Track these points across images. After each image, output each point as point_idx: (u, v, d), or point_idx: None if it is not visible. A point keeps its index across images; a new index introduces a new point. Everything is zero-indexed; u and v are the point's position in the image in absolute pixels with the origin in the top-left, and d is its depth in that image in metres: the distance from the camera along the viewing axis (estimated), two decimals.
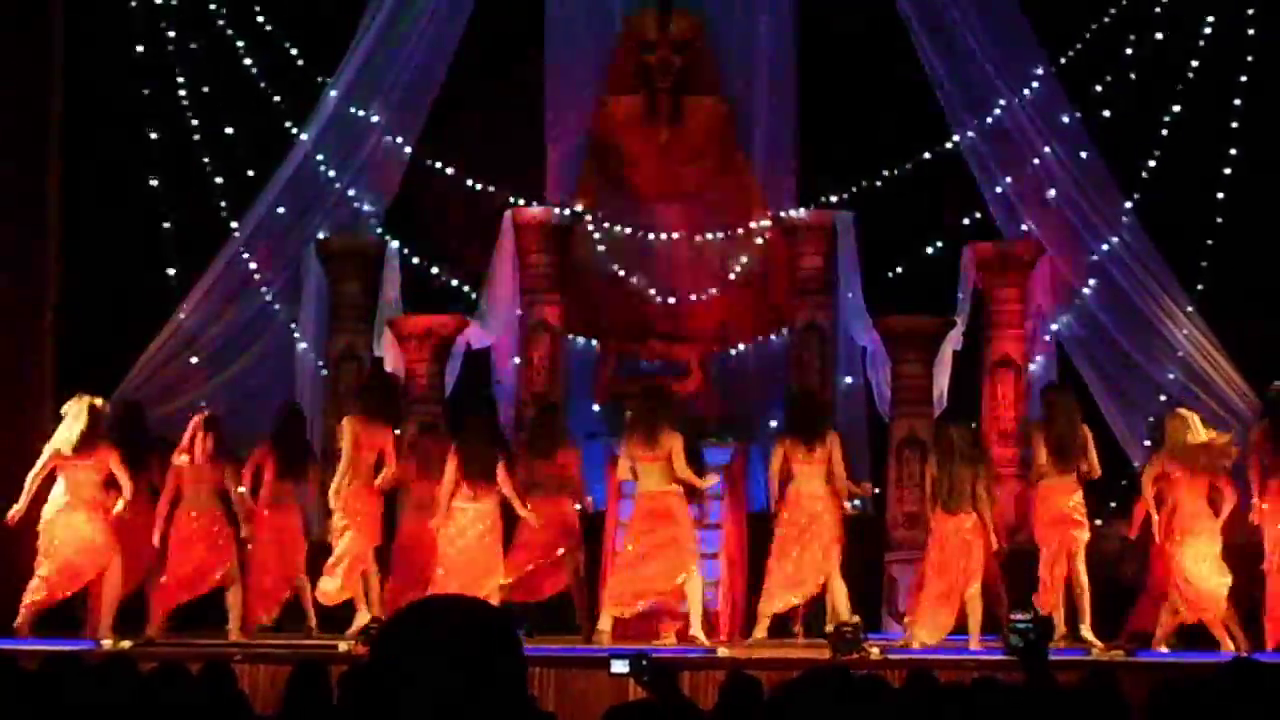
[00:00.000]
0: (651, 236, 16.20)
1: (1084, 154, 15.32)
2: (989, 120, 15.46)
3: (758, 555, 13.74)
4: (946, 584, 12.68)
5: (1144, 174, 15.23)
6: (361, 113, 15.68)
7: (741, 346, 16.41)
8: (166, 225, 15.48)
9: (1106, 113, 15.35)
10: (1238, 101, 15.31)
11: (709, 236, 16.18)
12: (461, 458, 12.94)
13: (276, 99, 15.73)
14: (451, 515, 12.93)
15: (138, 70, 15.52)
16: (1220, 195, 15.25)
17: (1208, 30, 15.32)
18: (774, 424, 15.64)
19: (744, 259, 16.20)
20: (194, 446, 13.04)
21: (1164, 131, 15.25)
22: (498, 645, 2.98)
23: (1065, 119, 15.40)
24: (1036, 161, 15.38)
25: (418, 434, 14.29)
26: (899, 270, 15.86)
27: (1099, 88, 15.39)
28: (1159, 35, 15.34)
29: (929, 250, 15.80)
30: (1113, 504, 14.11)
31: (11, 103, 14.42)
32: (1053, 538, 12.83)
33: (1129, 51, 15.37)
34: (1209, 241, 15.18)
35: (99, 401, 13.00)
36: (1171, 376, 14.86)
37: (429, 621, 3.01)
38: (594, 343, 16.29)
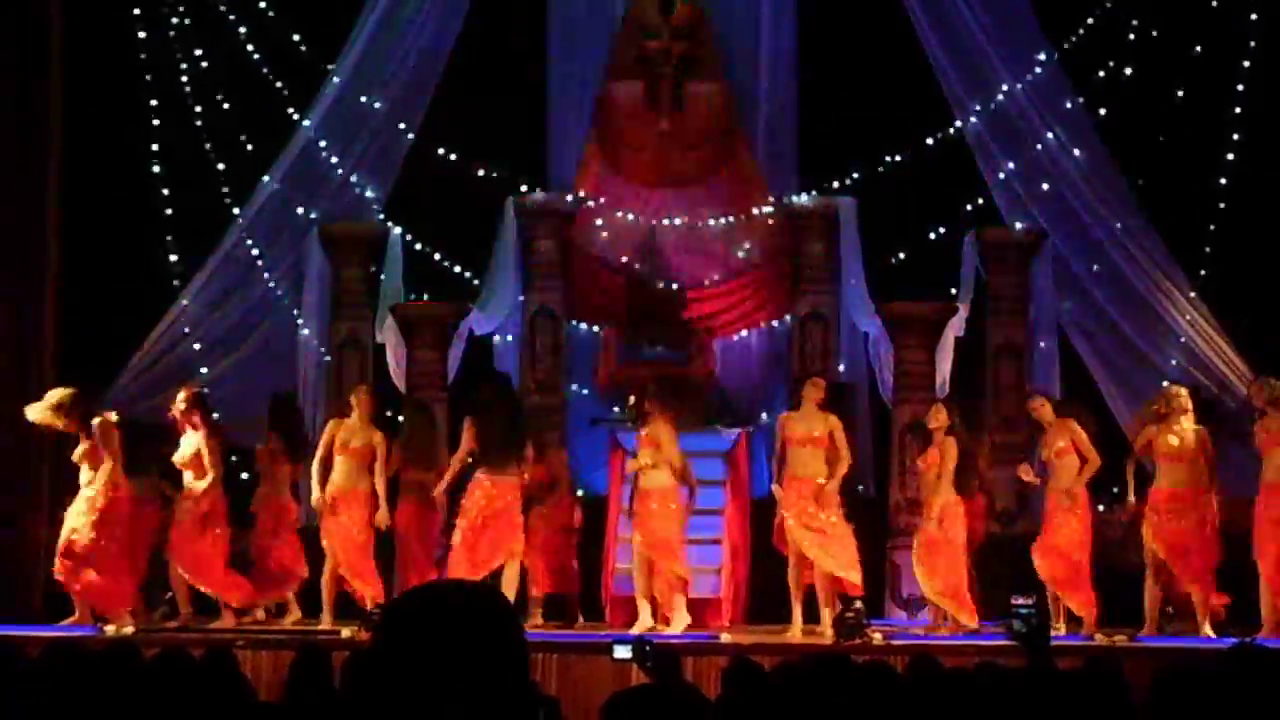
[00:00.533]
0: (654, 222, 16.19)
1: (1086, 139, 15.32)
2: (992, 106, 15.46)
3: (761, 541, 13.75)
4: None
5: (1146, 159, 15.22)
6: (364, 99, 15.67)
7: (744, 333, 16.40)
8: (169, 211, 15.51)
9: (1109, 98, 15.35)
10: (1240, 87, 15.30)
11: (711, 223, 16.17)
12: (481, 438, 12.84)
13: (279, 85, 15.73)
14: (472, 489, 12.84)
15: (140, 55, 15.53)
16: (1223, 181, 15.25)
17: (1210, 16, 15.29)
18: (764, 416, 15.64)
19: (746, 245, 16.20)
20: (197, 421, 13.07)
21: (1166, 117, 15.24)
22: (500, 630, 2.99)
23: (1068, 104, 15.40)
24: (1039, 147, 15.37)
25: (411, 416, 14.30)
26: (901, 256, 15.86)
27: (1102, 73, 15.38)
28: (1161, 20, 15.32)
29: (931, 236, 15.80)
30: (1115, 490, 14.09)
31: (12, 87, 14.41)
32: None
33: (1131, 37, 15.35)
34: (1211, 227, 15.18)
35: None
36: (1174, 362, 14.86)
37: (431, 607, 3.01)
38: (596, 329, 16.28)
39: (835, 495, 12.82)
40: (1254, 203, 15.07)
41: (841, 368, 15.61)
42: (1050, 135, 15.35)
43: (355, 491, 13.05)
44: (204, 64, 15.68)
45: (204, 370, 15.10)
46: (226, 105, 15.65)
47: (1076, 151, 15.32)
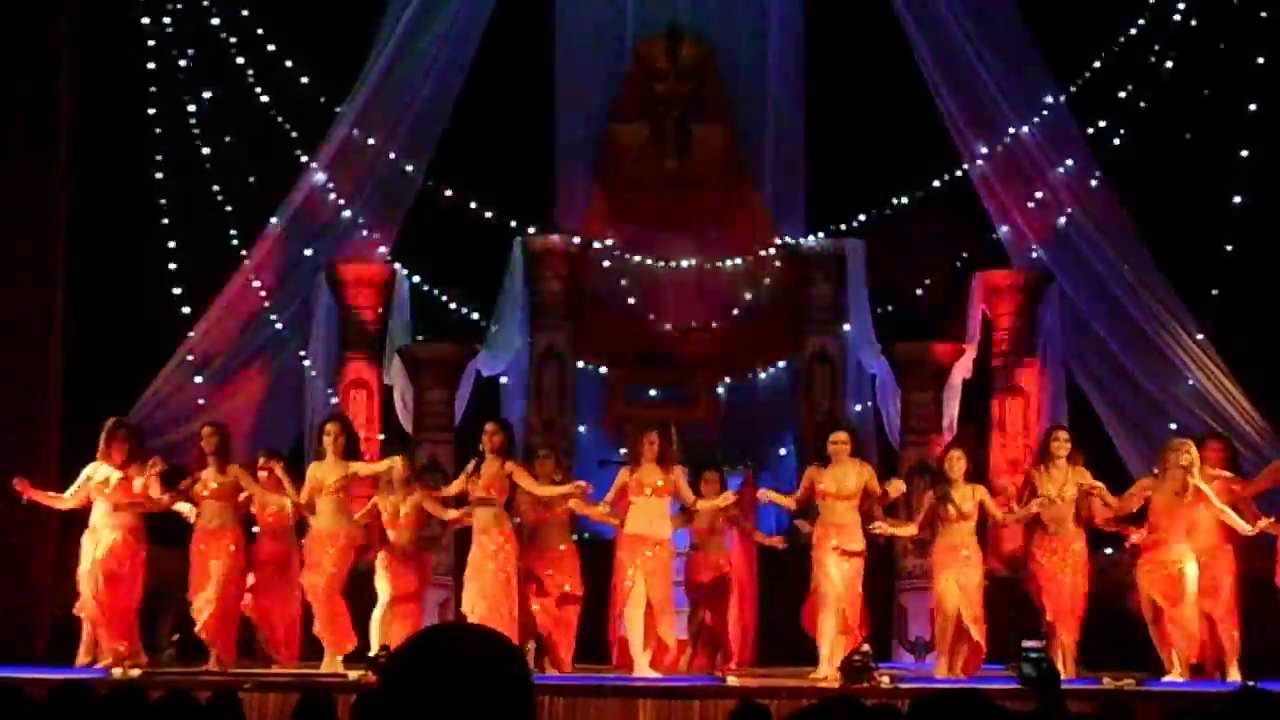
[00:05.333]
0: (660, 264, 16.21)
1: (1093, 182, 15.34)
2: (999, 148, 15.47)
3: (767, 584, 13.72)
4: None
5: (1154, 201, 15.23)
6: (371, 140, 15.70)
7: (750, 374, 16.40)
8: (176, 252, 15.52)
9: (1116, 140, 15.37)
10: (1249, 130, 15.31)
11: (718, 264, 16.18)
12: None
13: (287, 126, 15.75)
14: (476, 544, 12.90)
15: (147, 96, 15.57)
16: (1231, 223, 15.26)
17: (1218, 59, 15.33)
18: (782, 451, 15.66)
19: (753, 286, 16.21)
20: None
21: (1174, 159, 15.26)
22: (507, 673, 2.97)
23: (1075, 147, 15.41)
24: (1046, 189, 15.38)
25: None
26: (908, 298, 15.87)
27: (1108, 116, 15.40)
28: (1169, 64, 15.34)
29: (938, 277, 15.80)
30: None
31: (20, 128, 14.44)
32: None
33: (1139, 80, 15.38)
34: (1219, 270, 15.18)
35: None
36: (1182, 404, 14.83)
37: (438, 650, 3.00)
38: (603, 370, 16.29)
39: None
40: (1263, 247, 15.07)
41: (859, 407, 15.57)
42: (1057, 176, 15.37)
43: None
44: (212, 104, 15.71)
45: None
46: (233, 146, 15.67)
47: (1083, 193, 15.34)
